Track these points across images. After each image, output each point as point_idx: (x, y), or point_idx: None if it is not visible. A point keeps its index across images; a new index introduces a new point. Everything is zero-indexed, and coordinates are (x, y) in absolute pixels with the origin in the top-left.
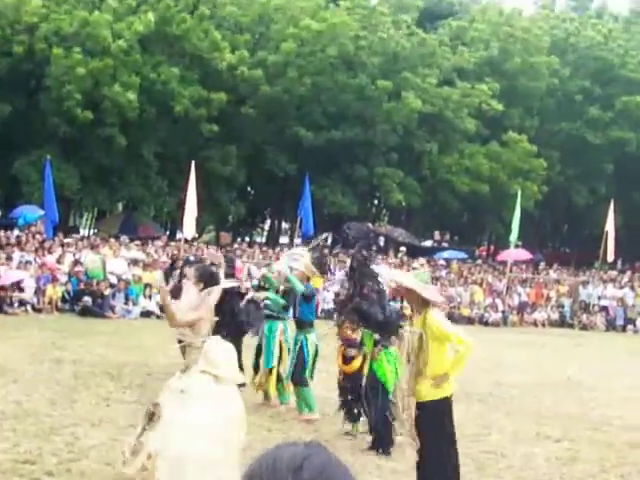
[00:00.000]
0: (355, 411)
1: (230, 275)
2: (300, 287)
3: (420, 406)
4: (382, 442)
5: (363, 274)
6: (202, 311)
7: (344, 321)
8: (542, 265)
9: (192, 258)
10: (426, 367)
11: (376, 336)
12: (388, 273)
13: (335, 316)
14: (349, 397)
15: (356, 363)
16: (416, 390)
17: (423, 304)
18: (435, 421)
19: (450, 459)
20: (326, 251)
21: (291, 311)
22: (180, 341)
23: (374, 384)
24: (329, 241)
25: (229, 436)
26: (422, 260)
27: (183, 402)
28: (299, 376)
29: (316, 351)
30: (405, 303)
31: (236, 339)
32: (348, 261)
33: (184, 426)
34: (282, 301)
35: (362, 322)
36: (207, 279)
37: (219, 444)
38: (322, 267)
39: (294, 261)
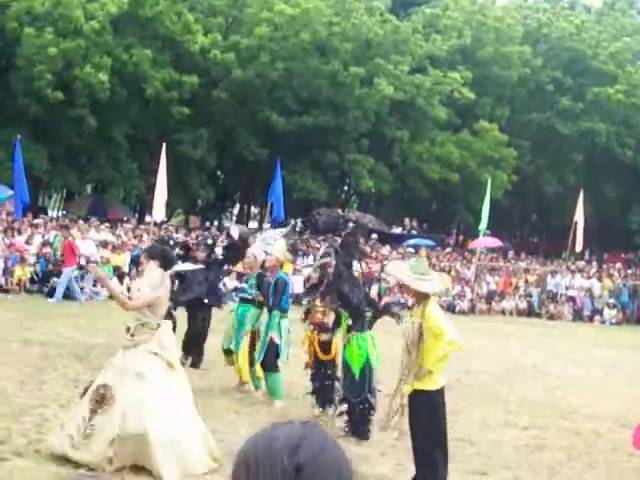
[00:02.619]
0: (327, 396)
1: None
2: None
3: (414, 396)
4: (356, 427)
5: (350, 254)
6: (161, 291)
7: (319, 301)
8: (511, 254)
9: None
10: (423, 358)
11: (349, 321)
12: (387, 269)
13: (305, 300)
14: (325, 382)
15: (334, 349)
16: (413, 381)
17: (422, 296)
18: (429, 411)
19: (439, 443)
20: (301, 237)
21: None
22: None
23: (344, 367)
24: (299, 227)
25: (185, 421)
26: (388, 247)
27: (138, 385)
28: (270, 362)
29: (288, 337)
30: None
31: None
32: (338, 240)
33: (146, 407)
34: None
35: (340, 303)
36: (159, 257)
37: (179, 427)
38: (296, 253)
39: (268, 245)
